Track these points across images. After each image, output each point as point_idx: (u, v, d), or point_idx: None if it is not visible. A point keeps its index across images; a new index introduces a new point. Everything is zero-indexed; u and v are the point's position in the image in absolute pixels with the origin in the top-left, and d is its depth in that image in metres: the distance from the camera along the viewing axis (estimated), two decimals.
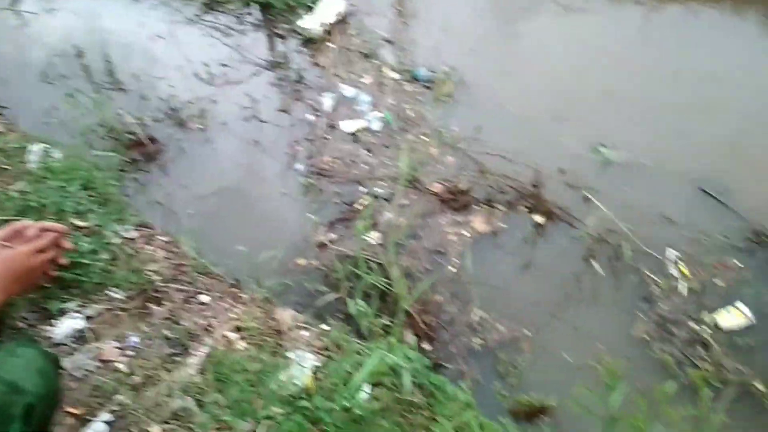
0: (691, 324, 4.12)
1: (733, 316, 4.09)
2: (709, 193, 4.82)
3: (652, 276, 4.38)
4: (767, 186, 4.89)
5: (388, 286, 4.15)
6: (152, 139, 5.49)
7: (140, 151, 5.40)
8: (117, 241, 4.00)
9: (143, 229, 4.32)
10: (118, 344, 3.35)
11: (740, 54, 6.16)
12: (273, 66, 6.32)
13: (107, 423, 3.00)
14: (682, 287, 4.30)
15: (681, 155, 5.14)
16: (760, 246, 4.49)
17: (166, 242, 4.28)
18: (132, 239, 4.14)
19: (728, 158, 5.11)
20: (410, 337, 4.12)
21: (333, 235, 4.81)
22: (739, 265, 4.40)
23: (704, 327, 4.09)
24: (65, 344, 3.33)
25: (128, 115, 5.56)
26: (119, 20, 6.86)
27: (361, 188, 5.15)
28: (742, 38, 6.41)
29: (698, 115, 5.50)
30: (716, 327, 4.08)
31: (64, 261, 2.12)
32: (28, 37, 6.61)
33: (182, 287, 3.82)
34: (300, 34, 6.58)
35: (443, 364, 4.08)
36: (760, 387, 3.78)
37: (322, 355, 3.68)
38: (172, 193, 5.09)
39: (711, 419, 2.86)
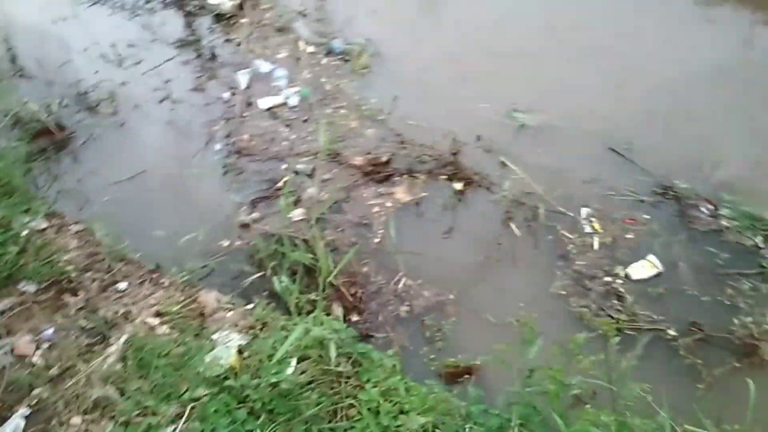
0: (606, 278, 4.29)
1: (644, 268, 4.28)
2: (617, 152, 5.00)
3: (567, 234, 4.53)
4: (670, 141, 5.09)
5: (313, 262, 4.16)
6: (61, 127, 5.29)
7: (49, 139, 5.20)
8: (25, 232, 3.86)
9: (54, 218, 4.19)
10: (32, 338, 3.25)
11: (650, 15, 6.35)
12: (184, 44, 6.16)
13: (25, 417, 2.92)
14: (595, 243, 4.47)
15: (590, 116, 5.29)
16: (666, 199, 4.70)
17: (79, 231, 4.16)
18: (42, 230, 4.00)
19: (633, 116, 5.30)
20: (339, 310, 4.15)
21: (256, 214, 4.77)
22: (647, 217, 4.60)
23: (617, 279, 4.27)
24: None
25: (33, 102, 5.33)
26: (19, 3, 6.55)
27: (282, 165, 5.11)
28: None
29: (606, 76, 5.68)
30: (628, 278, 4.27)
31: None
32: None
33: (97, 276, 3.73)
34: (210, 10, 6.43)
35: (372, 334, 4.12)
36: (672, 332, 3.99)
37: (248, 333, 3.68)
38: (85, 180, 4.93)
39: (620, 363, 3.00)
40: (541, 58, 5.84)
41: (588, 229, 4.54)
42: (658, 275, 4.27)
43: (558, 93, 5.52)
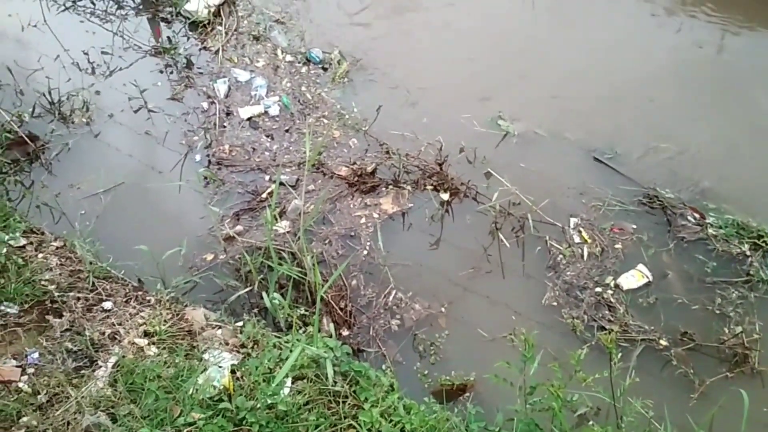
0: (596, 288, 4.30)
1: (634, 278, 4.30)
2: (601, 161, 5.01)
3: (556, 244, 4.53)
4: (652, 150, 5.13)
5: (302, 276, 4.07)
6: (33, 137, 5.09)
7: (21, 150, 5.00)
8: (4, 250, 3.69)
9: (32, 235, 4.01)
10: (17, 363, 3.09)
11: (624, 25, 6.38)
12: (159, 52, 5.99)
13: None
14: (585, 253, 4.48)
15: (572, 124, 5.30)
16: (652, 208, 4.73)
17: (59, 248, 4.00)
18: (21, 247, 3.83)
19: (615, 124, 5.33)
20: (329, 325, 4.07)
21: (239, 227, 4.66)
22: (634, 227, 4.62)
23: (608, 290, 4.28)
24: None
25: (3, 111, 5.12)
26: None
27: (265, 176, 5.01)
28: (625, 10, 6.63)
29: (584, 83, 5.68)
30: (618, 288, 4.28)
31: None
32: None
33: (81, 295, 3.58)
34: (186, 17, 6.28)
35: (363, 348, 4.07)
36: (663, 342, 4.01)
37: (239, 352, 3.57)
38: (61, 193, 4.76)
39: (623, 380, 3.00)
40: (523, 69, 5.81)
41: (577, 239, 4.55)
42: (648, 285, 4.30)
43: (540, 102, 5.51)
